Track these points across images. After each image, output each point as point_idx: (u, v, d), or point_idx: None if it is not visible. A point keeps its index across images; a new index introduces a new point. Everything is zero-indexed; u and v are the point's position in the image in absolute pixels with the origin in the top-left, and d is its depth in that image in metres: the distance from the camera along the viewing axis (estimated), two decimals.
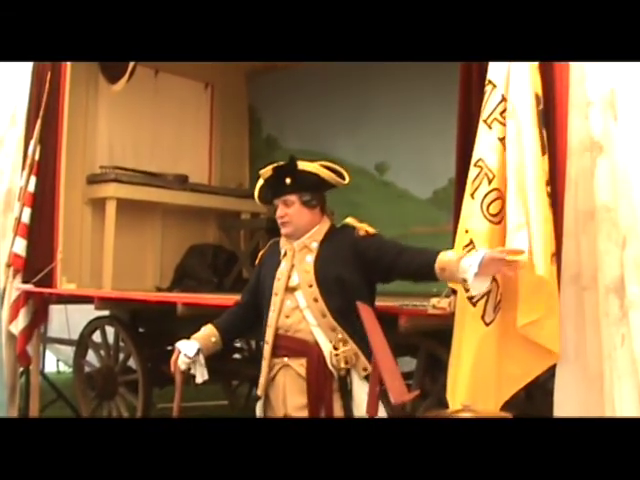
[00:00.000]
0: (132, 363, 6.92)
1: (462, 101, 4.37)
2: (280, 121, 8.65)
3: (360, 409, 3.74)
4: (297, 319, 4.04)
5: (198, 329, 6.51)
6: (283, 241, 4.24)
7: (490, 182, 3.83)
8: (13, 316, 6.55)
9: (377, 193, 7.79)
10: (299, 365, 4.02)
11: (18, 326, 6.56)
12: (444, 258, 3.72)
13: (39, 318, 6.85)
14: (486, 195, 3.84)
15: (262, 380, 4.21)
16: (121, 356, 7.00)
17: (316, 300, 4.00)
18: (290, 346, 4.06)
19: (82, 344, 7.31)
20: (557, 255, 3.84)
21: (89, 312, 7.23)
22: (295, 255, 4.14)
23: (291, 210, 4.07)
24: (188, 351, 4.44)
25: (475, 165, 3.90)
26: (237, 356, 8.20)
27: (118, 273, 6.87)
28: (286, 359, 4.06)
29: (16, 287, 6.50)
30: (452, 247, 4.15)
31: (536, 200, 3.68)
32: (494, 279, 3.71)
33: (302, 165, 4.07)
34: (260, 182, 4.39)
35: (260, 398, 4.27)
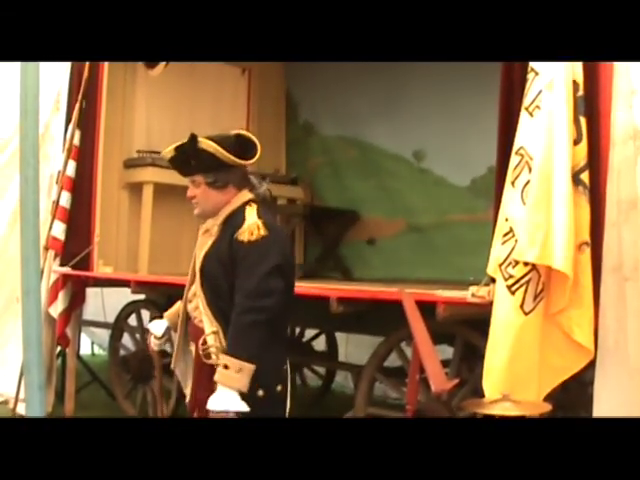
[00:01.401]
0: (168, 347, 6.96)
1: (503, 88, 4.34)
2: (317, 107, 8.63)
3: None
4: (194, 305, 3.94)
5: None
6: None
7: (531, 170, 3.80)
8: (52, 299, 6.60)
9: (414, 180, 7.75)
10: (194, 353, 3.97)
11: (57, 309, 6.62)
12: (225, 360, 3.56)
13: (77, 301, 6.90)
14: (526, 184, 3.81)
15: (173, 359, 4.18)
16: None
17: (202, 286, 3.86)
18: (192, 331, 3.99)
19: (118, 327, 7.37)
20: (597, 245, 3.81)
21: (125, 295, 7.27)
22: (200, 237, 4.04)
23: (198, 191, 3.92)
24: (157, 331, 4.37)
25: (516, 153, 3.88)
26: None
27: (154, 257, 6.90)
28: (190, 345, 4.03)
29: (54, 270, 6.55)
30: (491, 235, 4.14)
31: (560, 189, 3.65)
32: (535, 268, 3.69)
33: (203, 144, 3.80)
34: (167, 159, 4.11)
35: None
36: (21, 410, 6.97)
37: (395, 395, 6.24)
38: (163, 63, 6.85)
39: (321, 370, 8.50)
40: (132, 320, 7.29)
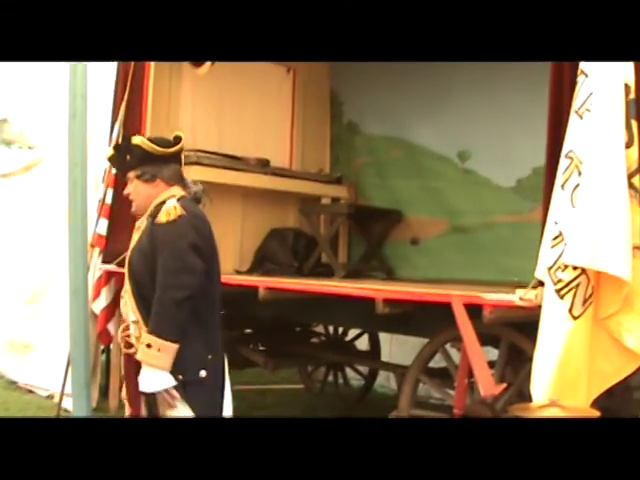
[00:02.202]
0: None
1: (553, 89, 4.30)
2: (361, 106, 8.60)
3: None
4: (124, 301, 4.08)
5: (278, 312, 6.58)
6: None
7: (580, 174, 3.76)
8: (95, 295, 6.63)
9: (458, 181, 7.69)
10: None
11: (100, 305, 6.64)
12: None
13: (120, 298, 6.94)
14: (576, 187, 3.77)
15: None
16: None
17: (129, 279, 3.99)
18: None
19: None
20: None
21: None
22: (134, 233, 4.18)
23: (131, 187, 4.13)
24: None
25: (566, 156, 3.84)
26: (314, 340, 8.23)
27: None
28: None
29: (99, 267, 6.58)
30: (536, 236, 4.12)
31: (616, 193, 3.61)
32: (584, 272, 3.66)
33: (134, 140, 4.08)
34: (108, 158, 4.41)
35: None
36: (66, 405, 7.03)
37: (438, 396, 6.21)
38: (209, 62, 6.86)
39: (364, 370, 8.49)
40: None
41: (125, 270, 4.04)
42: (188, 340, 3.76)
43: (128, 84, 6.82)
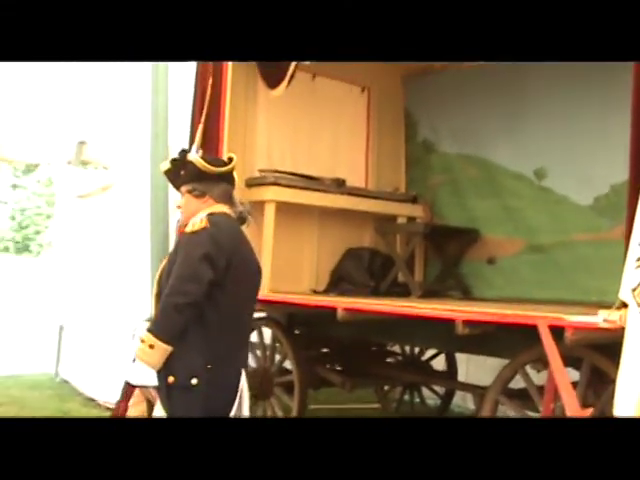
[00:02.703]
0: (288, 364, 7.02)
1: (636, 104, 4.23)
2: (436, 124, 8.57)
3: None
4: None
5: (355, 332, 6.58)
6: None
7: None
8: None
9: (535, 199, 7.60)
10: None
11: None
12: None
13: None
14: None
15: None
16: (277, 357, 7.10)
17: (157, 284, 4.15)
18: None
19: None
20: None
21: None
22: None
23: (183, 200, 4.36)
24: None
25: None
26: (391, 360, 8.20)
27: (274, 275, 6.92)
28: None
29: None
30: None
31: None
32: None
33: (189, 157, 4.35)
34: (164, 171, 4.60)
35: None
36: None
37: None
38: (285, 82, 6.91)
39: (439, 389, 8.44)
40: (253, 337, 7.37)
41: (157, 275, 4.19)
42: (187, 346, 3.91)
43: (205, 106, 6.91)
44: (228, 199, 4.34)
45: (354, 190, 7.77)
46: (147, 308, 4.48)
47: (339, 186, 7.52)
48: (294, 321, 7.13)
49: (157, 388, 3.98)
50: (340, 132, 8.17)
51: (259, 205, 7.05)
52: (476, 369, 7.86)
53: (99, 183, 9.50)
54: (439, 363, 8.23)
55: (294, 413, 6.72)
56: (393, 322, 5.83)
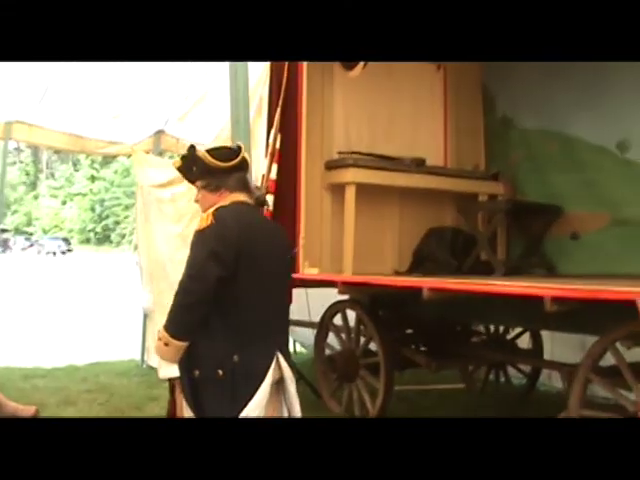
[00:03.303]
0: (373, 346, 7.01)
1: None
2: (515, 100, 8.44)
3: None
4: None
5: (439, 312, 6.53)
6: None
7: None
8: None
9: (618, 172, 7.45)
10: None
11: None
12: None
13: None
14: None
15: None
16: (362, 339, 7.09)
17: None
18: None
19: (323, 327, 7.47)
20: None
21: (328, 295, 7.37)
22: None
23: (199, 195, 4.41)
24: None
25: None
26: (475, 339, 8.13)
27: (357, 257, 6.91)
28: None
29: None
30: None
31: None
32: None
33: (198, 152, 4.32)
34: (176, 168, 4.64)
35: None
36: None
37: (604, 395, 6.04)
38: (361, 64, 6.89)
39: (525, 368, 8.35)
40: (337, 320, 7.38)
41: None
42: (209, 339, 4.00)
43: (282, 91, 6.93)
44: (243, 186, 4.37)
45: (434, 169, 7.70)
46: None
47: (419, 165, 7.45)
48: (378, 303, 7.09)
49: (181, 382, 4.12)
50: (417, 111, 8.10)
51: (339, 187, 7.04)
52: (561, 347, 7.77)
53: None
54: (523, 341, 8.14)
55: (380, 395, 6.71)
56: (478, 301, 5.78)
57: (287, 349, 4.37)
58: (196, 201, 4.49)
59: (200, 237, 4.08)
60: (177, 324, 4.01)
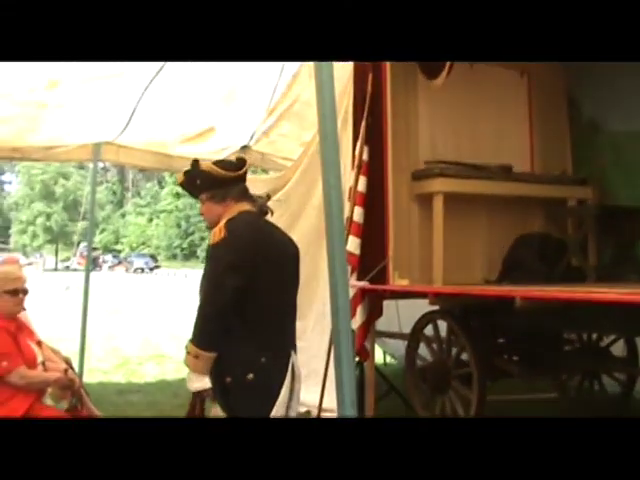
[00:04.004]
0: (464, 356, 6.95)
1: None
2: (601, 103, 8.29)
3: None
4: None
5: (532, 321, 6.45)
6: None
7: None
8: (352, 313, 6.75)
9: None
10: None
11: (356, 322, 6.77)
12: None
13: (375, 314, 7.05)
14: None
15: None
16: (453, 350, 7.04)
17: (199, 294, 4.42)
18: None
19: (414, 337, 7.44)
20: None
21: (418, 306, 7.34)
22: None
23: (204, 207, 4.67)
24: None
25: None
26: (568, 348, 8.00)
27: (446, 266, 6.88)
28: None
29: (352, 284, 6.68)
30: None
31: None
32: None
33: (202, 165, 4.59)
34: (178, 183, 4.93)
35: None
36: None
37: None
38: (445, 72, 6.86)
39: (620, 376, 8.19)
40: (428, 330, 7.34)
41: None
42: (237, 345, 4.25)
43: (367, 102, 6.95)
44: (247, 196, 4.64)
45: (522, 176, 7.61)
46: None
47: (506, 172, 7.39)
48: (469, 312, 7.03)
49: (213, 392, 4.31)
50: (502, 117, 8.03)
51: (427, 197, 7.02)
52: None
53: (266, 187, 9.63)
54: (617, 349, 7.98)
55: (473, 406, 6.64)
56: (571, 309, 5.68)
57: (296, 349, 4.68)
58: (201, 214, 4.77)
59: (215, 251, 4.31)
60: (204, 336, 4.24)
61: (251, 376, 4.21)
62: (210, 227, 4.68)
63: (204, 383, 4.25)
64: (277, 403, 4.29)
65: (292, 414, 4.50)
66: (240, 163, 4.69)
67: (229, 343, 4.22)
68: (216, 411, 4.40)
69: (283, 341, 4.50)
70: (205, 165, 4.58)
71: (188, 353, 4.24)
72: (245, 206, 4.55)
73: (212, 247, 4.33)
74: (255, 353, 4.25)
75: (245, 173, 4.69)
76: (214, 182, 4.56)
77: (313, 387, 7.70)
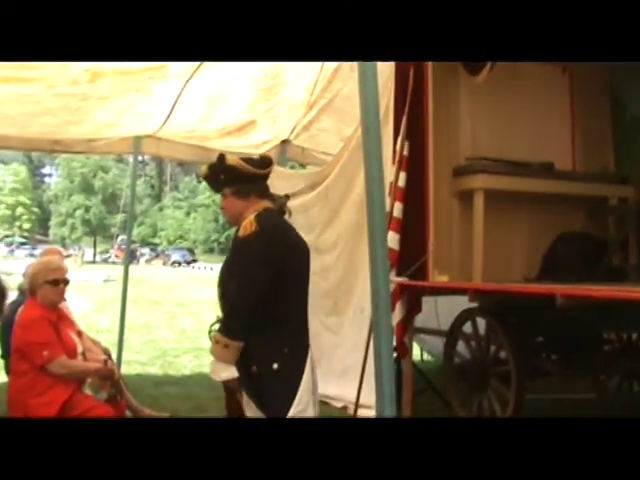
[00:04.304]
0: (502, 354, 6.91)
1: None
2: None
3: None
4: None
5: (571, 320, 6.39)
6: None
7: None
8: (390, 309, 6.73)
9: None
10: None
11: (395, 318, 6.75)
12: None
13: (413, 310, 7.02)
14: None
15: None
16: (492, 347, 7.00)
17: (219, 286, 4.73)
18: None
19: (453, 335, 7.40)
20: None
21: (456, 303, 7.31)
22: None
23: (226, 202, 4.78)
24: None
25: None
26: (607, 347, 7.93)
27: (485, 264, 6.84)
28: None
29: (391, 280, 6.65)
30: None
31: None
32: None
33: (228, 160, 4.69)
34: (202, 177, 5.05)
35: None
36: (361, 416, 7.16)
37: None
38: (487, 68, 6.81)
39: None
40: (467, 327, 7.30)
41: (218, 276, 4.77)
42: (263, 336, 4.40)
43: (408, 97, 6.92)
44: (268, 194, 4.78)
45: (563, 173, 7.53)
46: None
47: (547, 170, 7.32)
48: (508, 310, 6.98)
49: (240, 381, 4.44)
50: (543, 114, 7.94)
51: (467, 194, 6.98)
52: None
53: (306, 181, 9.63)
54: None
55: (511, 405, 6.59)
56: (611, 308, 5.63)
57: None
58: (221, 208, 4.91)
59: (247, 243, 4.46)
60: (235, 326, 4.39)
61: (276, 366, 4.38)
62: (230, 222, 4.91)
63: (231, 372, 4.36)
64: (302, 389, 4.45)
65: (317, 399, 4.68)
66: (266, 161, 4.82)
67: (256, 333, 4.37)
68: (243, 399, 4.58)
69: (303, 333, 4.66)
70: (233, 160, 4.69)
71: (217, 343, 4.37)
72: (267, 204, 4.71)
73: (243, 240, 4.47)
74: (279, 343, 4.44)
75: (270, 172, 4.82)
76: (241, 178, 4.68)
77: (349, 383, 7.73)
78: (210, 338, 4.50)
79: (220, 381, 4.44)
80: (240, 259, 4.49)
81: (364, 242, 7.43)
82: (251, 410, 4.55)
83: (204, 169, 4.87)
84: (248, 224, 4.47)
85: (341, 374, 8.43)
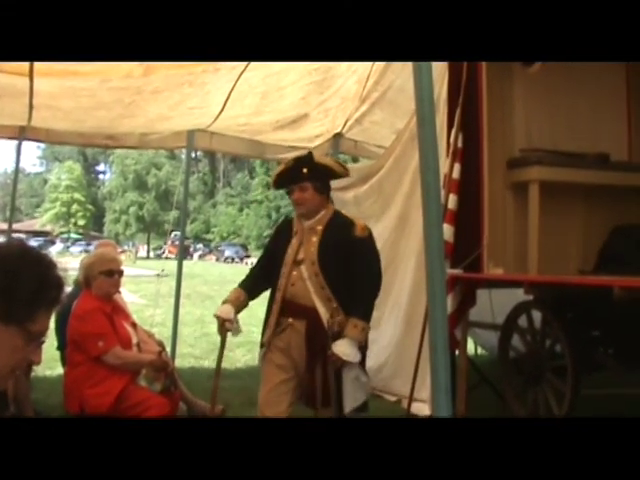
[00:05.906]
0: (558, 348, 6.83)
1: None
2: None
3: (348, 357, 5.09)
4: (300, 288, 5.26)
5: (628, 313, 6.30)
6: (295, 221, 5.47)
7: None
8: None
9: None
10: (301, 325, 5.29)
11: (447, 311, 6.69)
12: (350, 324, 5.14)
13: (467, 302, 6.96)
14: None
15: (269, 332, 5.43)
16: (548, 341, 6.93)
17: (317, 275, 5.18)
18: (294, 309, 5.30)
19: (508, 328, 7.33)
20: None
21: (511, 296, 7.25)
22: (304, 234, 5.33)
23: (306, 194, 5.24)
24: (228, 316, 5.65)
25: None
26: None
27: (541, 256, 6.76)
28: (290, 319, 5.33)
29: (446, 272, 6.62)
30: None
31: None
32: None
33: (317, 158, 5.26)
34: (279, 169, 5.45)
35: (264, 347, 5.52)
36: (415, 410, 7.14)
37: None
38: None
39: None
40: (522, 321, 7.23)
41: (306, 264, 5.27)
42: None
43: (462, 89, 6.87)
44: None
45: (619, 165, 7.40)
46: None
47: (603, 161, 7.21)
48: (564, 303, 6.89)
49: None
50: (599, 105, 7.81)
51: (522, 186, 6.91)
52: None
53: (359, 174, 9.63)
54: None
55: (567, 399, 6.52)
56: None
57: None
58: (296, 200, 5.32)
59: (370, 243, 5.31)
60: (369, 313, 5.21)
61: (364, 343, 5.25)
62: (305, 214, 5.31)
63: (357, 355, 5.11)
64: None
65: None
66: (346, 167, 5.55)
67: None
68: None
69: None
70: (323, 158, 5.38)
71: (354, 327, 5.05)
72: (333, 206, 5.46)
73: (365, 239, 5.28)
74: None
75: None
76: (324, 175, 5.29)
77: (390, 377, 7.77)
78: (333, 324, 5.10)
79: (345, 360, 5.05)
80: (369, 257, 5.29)
81: (406, 236, 7.65)
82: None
83: (289, 161, 5.30)
84: (365, 226, 5.32)
85: (377, 370, 8.52)
